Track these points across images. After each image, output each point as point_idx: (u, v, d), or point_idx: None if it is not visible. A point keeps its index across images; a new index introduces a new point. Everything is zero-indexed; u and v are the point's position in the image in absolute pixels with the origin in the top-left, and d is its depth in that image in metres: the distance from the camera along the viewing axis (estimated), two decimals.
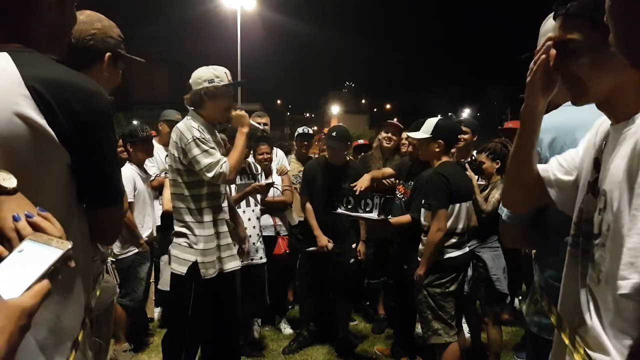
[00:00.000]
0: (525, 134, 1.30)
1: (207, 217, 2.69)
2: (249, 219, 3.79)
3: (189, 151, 2.61)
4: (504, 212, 1.64)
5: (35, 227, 0.85)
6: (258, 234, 3.90)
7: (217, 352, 2.91)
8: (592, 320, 1.09)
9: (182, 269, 2.68)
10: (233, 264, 2.81)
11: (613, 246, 1.02)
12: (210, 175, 2.60)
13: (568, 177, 1.31)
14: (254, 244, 3.81)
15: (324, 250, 3.79)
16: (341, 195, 3.61)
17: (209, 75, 2.72)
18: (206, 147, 2.62)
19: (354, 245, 3.94)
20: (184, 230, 2.71)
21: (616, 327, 1.02)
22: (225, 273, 2.76)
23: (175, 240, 2.76)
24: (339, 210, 3.57)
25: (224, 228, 2.77)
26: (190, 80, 2.77)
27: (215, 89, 2.70)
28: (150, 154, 3.97)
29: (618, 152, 1.06)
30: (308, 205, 3.93)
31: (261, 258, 3.91)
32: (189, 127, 2.66)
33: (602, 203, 1.08)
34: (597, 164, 1.16)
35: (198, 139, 2.62)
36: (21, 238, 0.83)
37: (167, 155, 4.66)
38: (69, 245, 0.81)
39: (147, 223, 3.80)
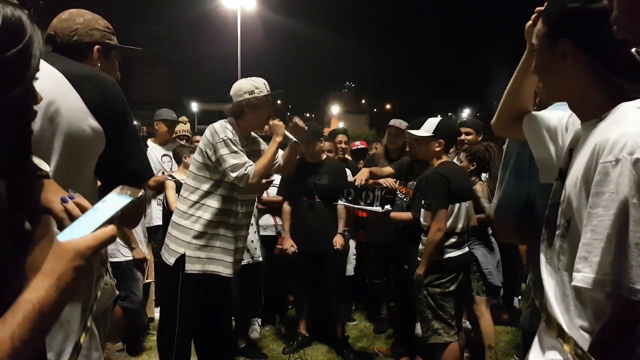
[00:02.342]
0: (522, 66, 1.45)
1: (208, 216, 2.70)
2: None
3: (218, 149, 2.67)
4: (492, 202, 1.67)
5: (80, 207, 0.92)
6: (255, 232, 3.88)
7: (210, 354, 2.92)
8: (555, 305, 1.15)
9: (171, 260, 2.71)
10: (216, 268, 2.72)
11: (572, 239, 1.09)
12: (234, 175, 2.64)
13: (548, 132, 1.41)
14: (252, 241, 3.81)
15: (288, 253, 3.86)
16: (342, 188, 3.61)
17: (249, 87, 2.80)
18: (235, 149, 2.68)
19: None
20: (181, 221, 2.73)
21: (574, 314, 1.09)
22: (215, 276, 2.73)
23: (170, 230, 2.79)
24: (340, 202, 3.57)
25: (226, 232, 2.75)
26: (231, 93, 2.85)
27: (256, 100, 2.78)
28: None
29: (582, 151, 1.12)
30: (285, 206, 3.99)
31: (258, 257, 3.89)
32: (223, 127, 2.74)
33: (563, 196, 1.15)
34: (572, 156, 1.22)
35: (230, 139, 2.68)
36: (71, 218, 0.89)
37: (163, 155, 4.67)
38: (138, 193, 0.86)
39: (137, 235, 3.65)
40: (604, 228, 0.98)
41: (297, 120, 2.94)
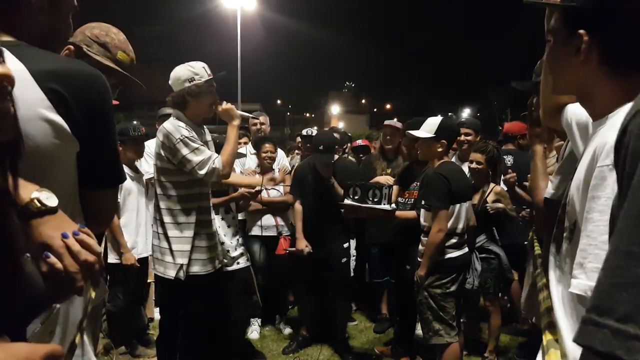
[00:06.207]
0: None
1: (192, 219, 2.65)
2: (229, 226, 3.45)
3: (178, 151, 2.57)
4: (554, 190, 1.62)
5: (82, 244, 0.88)
6: (238, 239, 3.57)
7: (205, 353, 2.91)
8: (558, 309, 1.13)
9: (171, 273, 2.65)
10: (195, 269, 2.69)
11: (576, 243, 1.05)
12: (202, 172, 2.56)
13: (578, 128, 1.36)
14: (233, 249, 3.49)
15: (302, 253, 3.78)
16: (347, 187, 3.59)
17: (188, 74, 2.68)
18: (196, 145, 2.59)
19: (345, 245, 3.91)
20: (168, 232, 2.66)
21: (577, 318, 1.05)
22: (208, 275, 2.72)
23: (159, 244, 2.71)
24: (346, 202, 3.54)
25: (208, 230, 2.72)
26: (170, 82, 2.73)
27: (197, 87, 2.66)
28: (140, 155, 3.83)
29: (586, 152, 1.08)
30: (297, 205, 3.93)
31: (239, 262, 3.53)
32: (176, 126, 2.62)
33: (569, 197, 1.12)
34: None
35: (187, 137, 2.58)
36: (71, 254, 0.85)
37: None
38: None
39: (139, 235, 3.63)
40: (599, 234, 0.94)
41: (225, 105, 2.80)
